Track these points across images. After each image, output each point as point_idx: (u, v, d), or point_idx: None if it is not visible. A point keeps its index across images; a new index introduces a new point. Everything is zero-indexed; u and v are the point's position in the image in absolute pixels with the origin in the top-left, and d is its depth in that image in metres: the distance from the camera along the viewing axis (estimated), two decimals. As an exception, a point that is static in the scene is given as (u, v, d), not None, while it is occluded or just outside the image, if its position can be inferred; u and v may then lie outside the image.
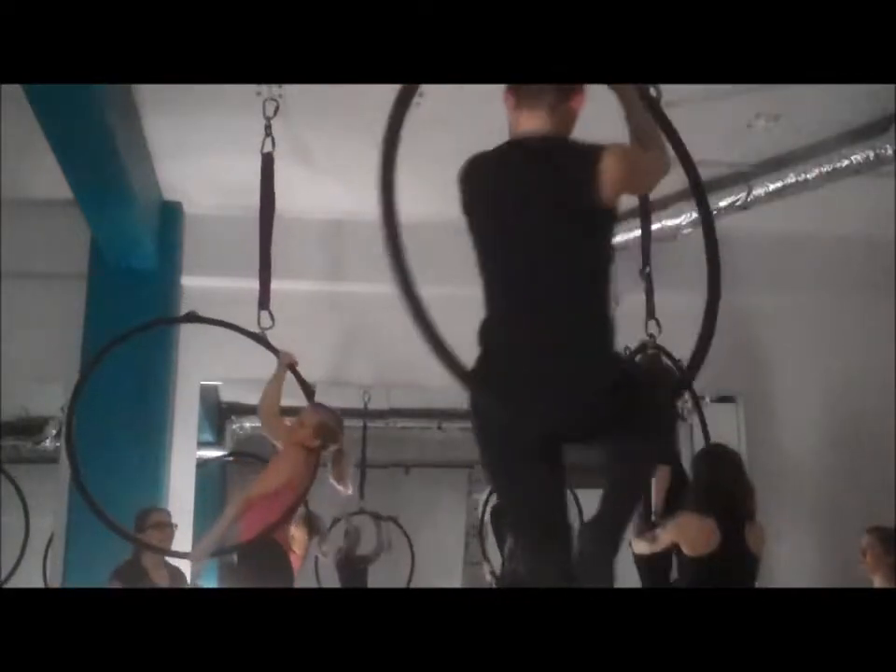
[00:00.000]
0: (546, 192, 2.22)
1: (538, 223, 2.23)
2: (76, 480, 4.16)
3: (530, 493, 2.28)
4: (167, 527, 4.55)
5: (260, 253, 4.28)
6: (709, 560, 3.83)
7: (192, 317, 4.48)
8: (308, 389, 4.33)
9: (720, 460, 4.14)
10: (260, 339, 4.22)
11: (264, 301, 4.23)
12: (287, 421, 4.29)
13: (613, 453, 2.30)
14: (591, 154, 2.21)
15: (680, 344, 4.64)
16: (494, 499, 6.67)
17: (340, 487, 4.23)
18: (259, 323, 4.22)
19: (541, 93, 2.29)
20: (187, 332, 5.55)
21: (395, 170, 2.21)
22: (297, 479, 4.09)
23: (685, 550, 3.92)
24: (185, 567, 4.76)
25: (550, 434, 2.26)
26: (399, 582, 6.79)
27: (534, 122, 2.30)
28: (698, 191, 2.77)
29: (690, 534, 3.90)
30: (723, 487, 3.96)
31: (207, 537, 3.90)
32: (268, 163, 4.31)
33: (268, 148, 4.30)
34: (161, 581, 4.42)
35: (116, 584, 4.27)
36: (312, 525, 5.72)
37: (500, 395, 2.21)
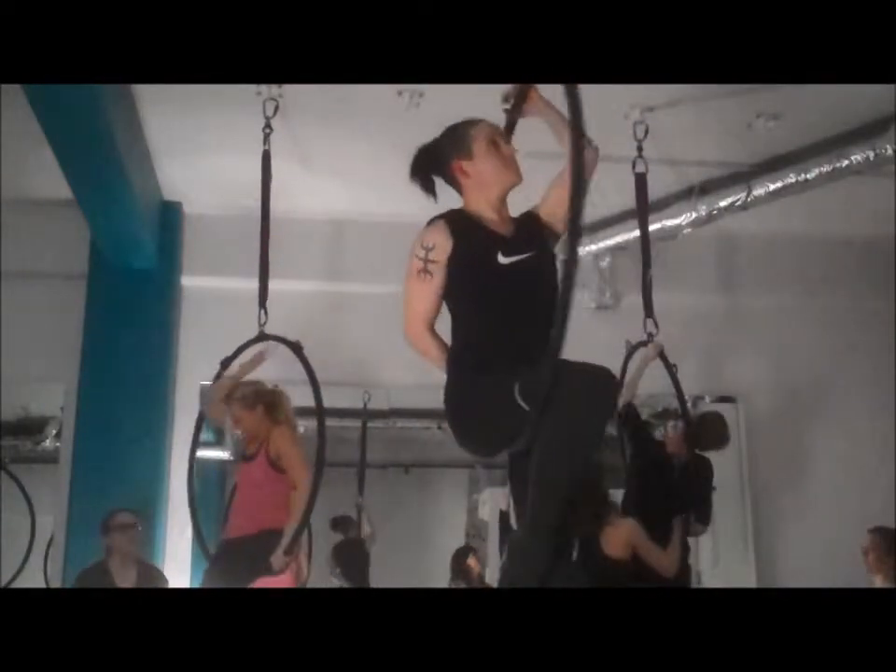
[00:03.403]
0: None
1: None
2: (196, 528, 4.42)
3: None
4: (131, 529, 4.58)
5: (260, 252, 4.28)
6: None
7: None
8: (294, 346, 4.25)
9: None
10: (280, 339, 4.22)
11: (263, 298, 4.25)
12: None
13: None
14: None
15: (679, 344, 4.69)
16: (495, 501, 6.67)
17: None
18: (259, 321, 4.23)
19: None
20: (187, 332, 5.56)
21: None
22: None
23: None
24: (176, 565, 4.82)
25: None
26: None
27: None
28: None
29: None
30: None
31: (281, 546, 3.92)
32: (266, 163, 4.32)
33: (267, 148, 4.30)
34: (127, 584, 4.41)
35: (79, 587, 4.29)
36: None
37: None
